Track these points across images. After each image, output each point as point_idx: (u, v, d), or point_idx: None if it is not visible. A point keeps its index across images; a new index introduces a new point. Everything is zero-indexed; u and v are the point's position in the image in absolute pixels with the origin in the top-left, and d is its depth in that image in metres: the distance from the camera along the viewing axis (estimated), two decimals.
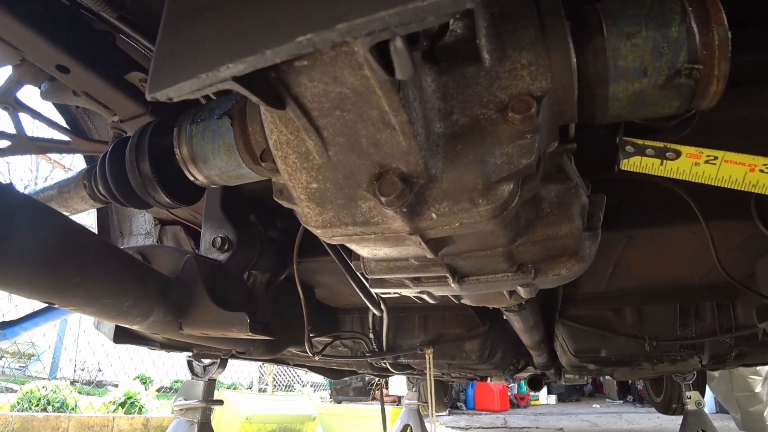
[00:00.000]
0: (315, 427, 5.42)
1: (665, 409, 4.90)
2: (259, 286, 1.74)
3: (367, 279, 0.95)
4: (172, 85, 0.51)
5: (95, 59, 1.17)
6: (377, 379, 4.28)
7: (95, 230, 2.16)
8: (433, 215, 0.62)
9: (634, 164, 0.72)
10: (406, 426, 4.18)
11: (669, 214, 1.45)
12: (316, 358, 1.98)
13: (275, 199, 0.77)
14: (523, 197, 0.65)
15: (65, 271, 0.96)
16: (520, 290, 0.95)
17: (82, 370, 6.88)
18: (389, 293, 1.01)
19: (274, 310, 1.84)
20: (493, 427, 6.46)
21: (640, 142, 0.70)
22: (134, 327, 1.33)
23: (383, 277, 0.93)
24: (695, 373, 3.80)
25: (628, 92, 0.62)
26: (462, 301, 1.10)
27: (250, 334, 1.27)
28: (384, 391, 6.72)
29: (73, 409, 4.28)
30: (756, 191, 0.67)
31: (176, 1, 0.56)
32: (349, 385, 7.03)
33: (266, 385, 8.09)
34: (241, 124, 0.84)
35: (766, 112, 1.16)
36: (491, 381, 7.36)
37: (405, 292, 0.99)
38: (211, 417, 5.13)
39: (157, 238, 2.12)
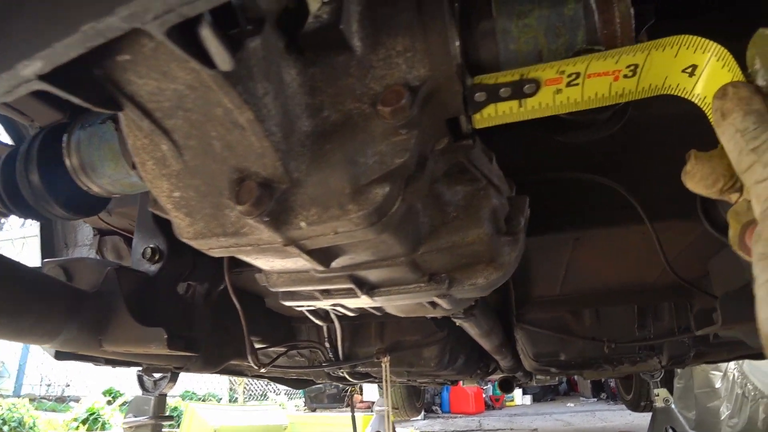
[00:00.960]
0: None
1: (635, 406, 4.92)
2: (198, 298, 1.66)
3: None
4: None
5: None
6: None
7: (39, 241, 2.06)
8: (302, 224, 0.55)
9: (489, 117, 0.58)
10: None
11: (616, 215, 1.41)
12: (262, 370, 1.90)
13: (150, 209, 0.70)
14: (409, 201, 0.58)
15: None
16: (440, 301, 0.89)
17: (49, 385, 6.66)
18: (302, 306, 0.95)
19: (216, 322, 1.76)
20: (468, 430, 6.42)
21: (491, 80, 0.56)
22: (45, 346, 1.24)
23: (291, 289, 0.87)
24: (662, 371, 3.80)
25: None
26: (387, 312, 1.03)
27: (168, 350, 1.19)
28: (358, 397, 6.65)
29: (31, 428, 4.12)
30: (624, 100, 0.57)
31: None
32: (323, 392, 6.92)
33: (237, 395, 7.94)
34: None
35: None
36: (464, 384, 7.34)
37: (318, 304, 0.92)
38: (179, 430, 4.99)
39: (96, 249, 2.03)
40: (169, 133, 0.53)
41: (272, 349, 2.33)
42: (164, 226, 1.52)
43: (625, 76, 0.54)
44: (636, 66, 0.53)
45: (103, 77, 0.47)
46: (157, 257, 1.48)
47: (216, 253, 0.66)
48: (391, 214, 0.56)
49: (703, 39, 0.51)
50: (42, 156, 0.92)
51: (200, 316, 1.62)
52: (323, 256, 0.65)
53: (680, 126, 1.12)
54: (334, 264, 0.70)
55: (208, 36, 0.38)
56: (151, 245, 1.49)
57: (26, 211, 1.01)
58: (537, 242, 1.48)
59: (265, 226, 0.55)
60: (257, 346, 2.18)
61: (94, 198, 0.99)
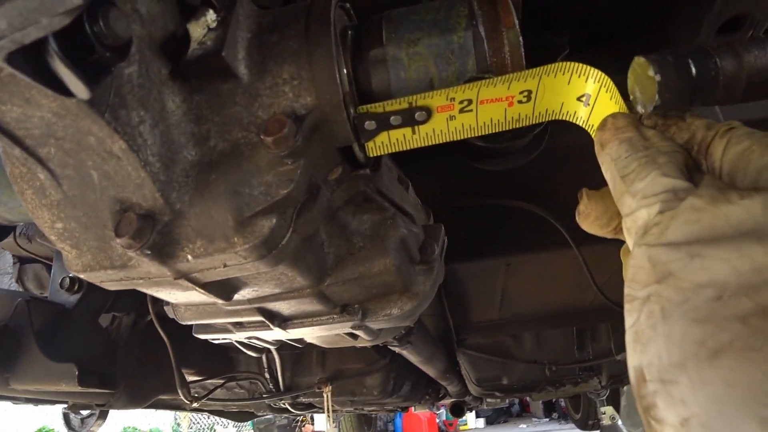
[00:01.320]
0: None
1: (584, 425, 4.99)
2: (124, 329, 1.58)
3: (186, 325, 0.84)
4: None
5: None
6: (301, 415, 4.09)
7: None
8: (189, 257, 0.53)
9: (383, 145, 0.57)
10: None
11: (545, 240, 1.43)
12: (195, 405, 1.82)
13: (38, 240, 0.66)
14: (302, 232, 0.57)
15: None
16: (358, 332, 0.87)
17: None
18: (218, 339, 0.91)
19: (145, 354, 1.68)
20: None
21: (378, 109, 0.55)
22: None
23: (201, 322, 0.83)
24: (608, 389, 3.89)
25: None
26: (309, 342, 1.01)
27: (79, 388, 1.12)
28: (309, 427, 6.50)
29: None
30: (520, 125, 0.56)
31: None
32: (273, 423, 6.73)
33: (182, 429, 7.62)
34: None
35: None
36: (416, 410, 7.27)
37: (233, 337, 0.89)
38: None
39: (16, 278, 1.92)
40: (43, 161, 0.50)
41: (209, 381, 2.25)
42: None
43: (520, 102, 0.54)
44: (530, 92, 0.54)
45: None
46: (76, 287, 1.42)
47: (109, 287, 0.63)
48: (282, 246, 0.54)
49: (592, 68, 0.52)
50: None
51: (125, 349, 1.54)
52: (220, 289, 0.63)
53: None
54: (237, 297, 0.68)
55: (57, 64, 0.36)
56: (70, 275, 1.42)
57: None
58: (469, 268, 1.50)
59: (149, 259, 0.52)
60: (192, 378, 2.10)
61: None
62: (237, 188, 0.51)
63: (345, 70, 0.53)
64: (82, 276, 0.61)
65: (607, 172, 0.45)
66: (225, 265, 0.54)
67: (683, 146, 0.43)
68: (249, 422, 7.86)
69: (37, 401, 1.67)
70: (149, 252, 0.51)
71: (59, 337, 1.27)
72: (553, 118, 0.57)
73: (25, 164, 0.54)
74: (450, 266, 1.05)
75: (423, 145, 0.57)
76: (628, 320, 0.37)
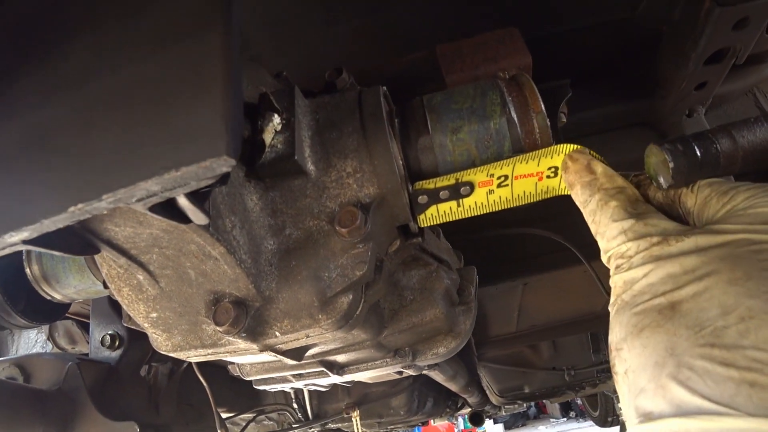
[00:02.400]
0: None
1: (603, 422, 5.04)
2: (162, 378, 1.64)
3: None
4: None
5: None
6: None
7: None
8: (277, 333, 0.60)
9: (432, 217, 0.66)
10: None
11: (557, 259, 1.52)
12: None
13: (124, 324, 0.73)
14: (370, 302, 0.64)
15: None
16: (406, 370, 0.94)
17: None
18: (276, 388, 0.98)
19: (181, 399, 1.73)
20: None
21: (431, 185, 0.64)
22: None
23: (264, 377, 0.90)
24: None
25: None
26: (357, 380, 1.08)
27: None
28: None
29: None
30: (549, 196, 0.66)
31: None
32: None
33: None
34: None
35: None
36: (434, 422, 7.29)
37: (291, 386, 0.95)
38: None
39: (47, 336, 1.97)
40: (144, 265, 0.57)
41: (240, 416, 2.30)
42: (121, 311, 1.51)
43: (548, 177, 0.63)
44: (556, 168, 0.62)
45: (80, 229, 0.52)
46: (117, 344, 1.47)
47: (194, 359, 0.70)
48: (356, 316, 0.61)
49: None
50: (0, 267, 0.93)
51: (165, 397, 1.60)
52: (296, 353, 0.70)
53: None
54: (306, 355, 0.75)
55: (184, 203, 0.44)
56: (110, 332, 1.48)
57: None
58: (488, 291, 1.57)
59: (243, 340, 0.59)
60: (225, 416, 2.15)
61: (55, 304, 1.00)
62: (318, 273, 0.58)
63: (400, 161, 0.61)
64: (170, 354, 0.67)
65: (582, 210, 0.61)
66: (307, 336, 0.61)
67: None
68: None
69: None
70: (244, 335, 0.58)
71: (110, 394, 1.33)
72: None
73: (123, 267, 0.61)
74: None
75: (465, 216, 0.66)
76: (618, 368, 0.54)
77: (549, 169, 0.63)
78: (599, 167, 0.60)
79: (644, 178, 0.60)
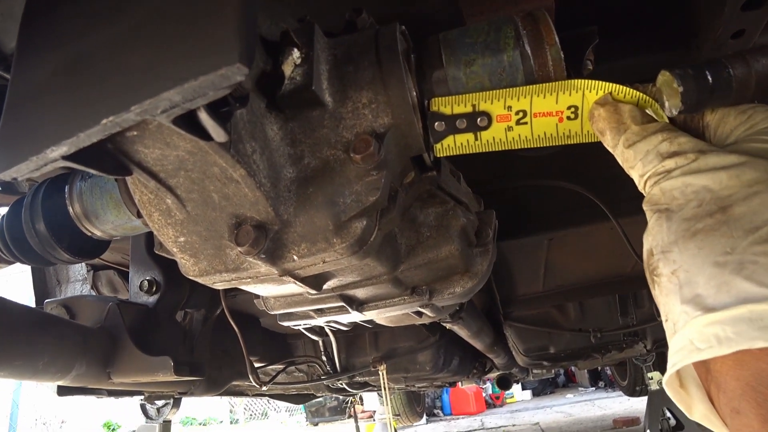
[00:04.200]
0: None
1: (631, 391, 5.03)
2: (196, 324, 1.72)
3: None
4: (12, 166, 0.52)
5: None
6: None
7: (30, 278, 2.11)
8: (295, 257, 0.63)
9: (448, 147, 0.66)
10: None
11: (584, 215, 1.51)
12: (264, 388, 1.97)
13: (156, 251, 0.78)
14: (385, 229, 0.67)
15: None
16: (425, 310, 0.97)
17: (44, 424, 6.60)
18: (299, 325, 1.02)
19: (215, 345, 1.82)
20: (470, 430, 6.50)
21: (447, 109, 0.63)
22: (57, 383, 1.30)
23: (287, 311, 0.95)
24: (654, 354, 3.92)
25: None
26: (378, 323, 1.12)
27: (175, 377, 1.26)
28: (360, 407, 6.70)
29: None
30: (572, 142, 0.65)
31: (17, 82, 0.56)
32: (323, 405, 6.96)
33: (238, 416, 7.96)
34: (122, 180, 0.84)
35: None
36: (463, 385, 7.41)
37: (313, 322, 1.00)
38: None
39: (91, 285, 2.08)
40: (172, 189, 0.61)
41: (271, 366, 2.40)
42: (158, 258, 1.59)
43: (569, 118, 0.63)
44: (576, 108, 0.62)
45: (113, 149, 0.56)
46: (154, 289, 1.55)
47: (219, 286, 0.74)
48: (370, 242, 0.64)
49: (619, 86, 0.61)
50: (46, 206, 1.00)
51: (199, 341, 1.68)
52: (314, 281, 0.73)
53: None
54: (325, 287, 0.79)
55: (205, 118, 0.47)
56: (148, 278, 1.56)
57: (33, 259, 1.08)
58: (513, 245, 1.58)
59: (262, 262, 0.63)
60: (256, 365, 2.25)
61: (97, 241, 1.06)
62: (333, 198, 0.61)
63: (414, 92, 0.62)
64: (197, 280, 0.72)
65: (613, 152, 0.62)
66: (324, 262, 0.65)
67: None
68: (301, 406, 8.17)
69: (118, 394, 1.84)
70: (264, 256, 0.62)
71: (147, 333, 1.41)
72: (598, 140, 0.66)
73: (153, 192, 0.65)
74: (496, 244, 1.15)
75: (483, 150, 0.66)
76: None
77: (569, 108, 0.62)
78: (626, 107, 0.60)
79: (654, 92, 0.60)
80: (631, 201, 1.44)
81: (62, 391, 1.55)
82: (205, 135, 0.49)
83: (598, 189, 1.38)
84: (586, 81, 0.61)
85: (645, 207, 0.58)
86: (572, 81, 0.62)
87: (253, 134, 0.58)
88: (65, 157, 0.50)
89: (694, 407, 0.56)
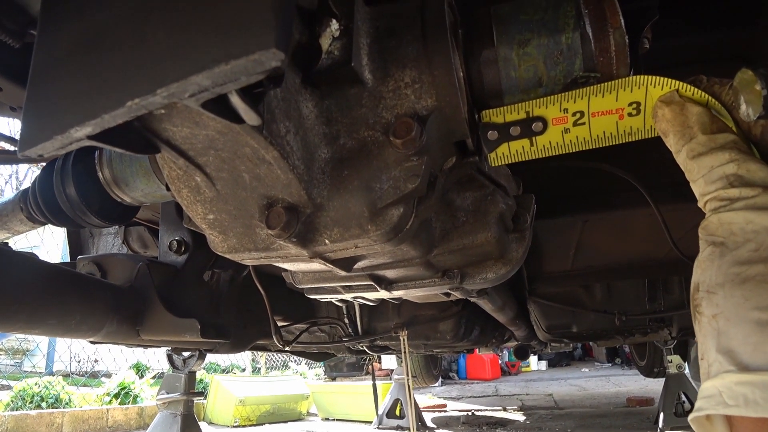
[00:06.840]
0: (309, 405, 5.50)
1: (648, 372, 4.99)
2: (223, 284, 1.74)
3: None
4: (37, 144, 0.50)
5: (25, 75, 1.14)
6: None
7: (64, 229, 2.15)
8: (327, 241, 0.61)
9: (503, 156, 0.62)
10: (396, 400, 4.26)
11: (622, 199, 1.45)
12: (287, 348, 2.00)
13: (185, 225, 0.76)
14: (421, 217, 0.64)
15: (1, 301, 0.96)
16: (453, 292, 0.95)
17: (78, 362, 6.92)
18: (326, 298, 1.01)
19: (241, 305, 1.84)
20: (484, 396, 6.59)
21: (499, 119, 0.60)
22: (89, 339, 1.33)
23: (315, 286, 0.93)
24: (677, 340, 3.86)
25: None
26: (405, 299, 1.10)
27: (201, 339, 1.27)
28: (377, 365, 6.84)
29: (67, 403, 4.33)
30: (633, 139, 0.60)
31: (40, 51, 0.54)
32: (342, 361, 7.13)
33: (260, 366, 8.21)
34: None
35: None
36: (480, 351, 7.45)
37: (340, 297, 0.98)
38: (206, 402, 5.17)
39: (122, 240, 2.11)
40: (201, 167, 0.59)
41: (294, 326, 2.43)
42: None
43: (630, 114, 0.58)
44: (638, 103, 0.57)
45: (140, 127, 0.53)
46: (183, 249, 1.56)
47: (248, 263, 0.73)
48: (406, 230, 0.61)
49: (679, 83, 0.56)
50: (76, 171, 0.99)
51: (226, 301, 1.70)
52: (345, 263, 0.71)
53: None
54: (354, 267, 0.77)
55: (236, 101, 0.43)
56: (177, 238, 1.56)
57: (63, 221, 1.08)
58: (547, 224, 1.53)
59: (293, 245, 0.61)
60: (280, 324, 2.28)
61: (126, 207, 1.06)
62: (369, 183, 0.58)
63: (461, 73, 0.58)
64: (226, 256, 0.70)
65: (676, 156, 0.57)
66: (356, 247, 0.62)
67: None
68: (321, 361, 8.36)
69: (147, 345, 1.88)
70: (295, 239, 0.60)
71: (175, 293, 1.43)
72: None
73: (182, 168, 0.63)
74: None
75: (540, 156, 0.62)
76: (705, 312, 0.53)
77: (630, 105, 0.57)
78: (693, 109, 0.54)
79: (731, 93, 0.54)
80: (672, 187, 1.38)
81: (94, 341, 1.60)
82: (236, 118, 0.46)
83: (639, 173, 1.31)
84: (650, 77, 0.56)
85: (700, 233, 0.54)
86: (634, 78, 0.57)
87: (287, 113, 0.55)
88: (90, 137, 0.48)
89: None
